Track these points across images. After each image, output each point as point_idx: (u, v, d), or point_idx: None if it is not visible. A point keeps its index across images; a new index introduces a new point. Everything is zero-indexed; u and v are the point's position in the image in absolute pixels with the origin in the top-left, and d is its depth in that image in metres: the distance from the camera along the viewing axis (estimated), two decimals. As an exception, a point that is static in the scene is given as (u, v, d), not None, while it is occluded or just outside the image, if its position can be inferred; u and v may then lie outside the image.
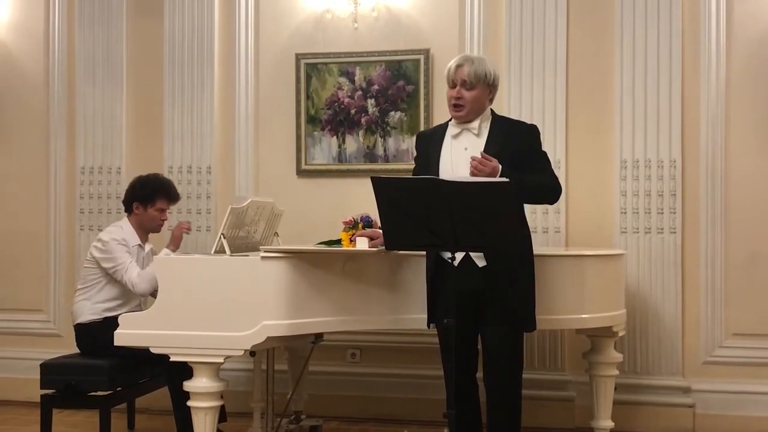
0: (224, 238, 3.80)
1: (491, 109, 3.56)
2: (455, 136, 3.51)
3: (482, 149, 3.40)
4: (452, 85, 3.49)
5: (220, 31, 5.33)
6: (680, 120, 4.79)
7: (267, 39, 5.31)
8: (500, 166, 3.30)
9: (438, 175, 3.41)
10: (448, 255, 3.18)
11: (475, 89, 3.45)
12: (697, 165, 4.80)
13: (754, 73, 4.77)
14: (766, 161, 4.77)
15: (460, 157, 3.41)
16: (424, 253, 3.60)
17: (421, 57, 5.07)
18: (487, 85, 3.48)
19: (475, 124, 3.48)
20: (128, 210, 4.51)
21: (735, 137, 4.78)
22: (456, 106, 3.47)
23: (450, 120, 3.57)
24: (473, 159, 3.32)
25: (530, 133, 3.56)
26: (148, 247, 4.53)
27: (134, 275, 4.26)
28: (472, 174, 3.30)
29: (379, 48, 5.14)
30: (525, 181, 3.37)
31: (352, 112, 5.18)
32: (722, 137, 4.77)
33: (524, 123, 3.68)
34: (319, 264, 3.61)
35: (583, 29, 4.93)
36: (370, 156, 5.16)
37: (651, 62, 4.79)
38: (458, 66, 3.47)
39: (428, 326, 3.60)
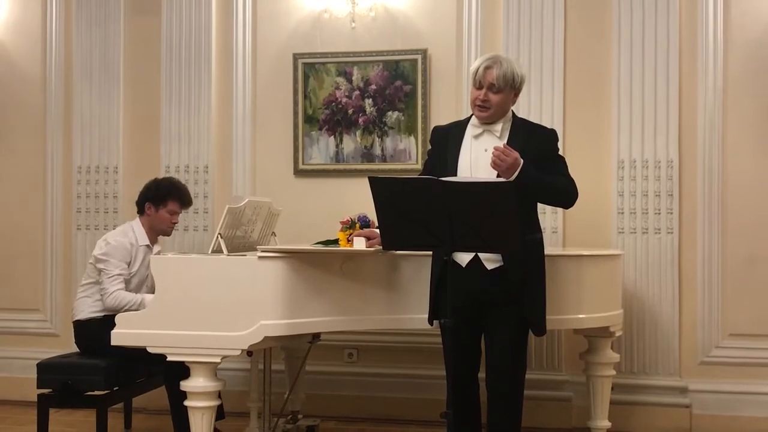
0: (221, 237, 3.80)
1: (512, 111, 3.53)
2: (476, 137, 3.46)
3: None
4: (478, 86, 3.41)
5: (217, 30, 5.32)
6: (677, 120, 4.80)
7: (264, 38, 5.31)
8: (522, 161, 3.27)
9: (456, 174, 3.39)
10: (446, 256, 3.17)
11: (502, 92, 3.40)
12: (694, 165, 4.81)
13: (751, 74, 4.78)
14: (763, 162, 4.77)
15: (480, 158, 3.37)
16: (422, 253, 3.60)
17: (419, 57, 5.06)
18: (513, 88, 3.44)
19: (498, 126, 3.44)
20: (141, 211, 4.52)
21: (732, 138, 4.79)
22: (481, 107, 3.42)
23: (470, 118, 3.52)
24: (495, 149, 3.28)
25: (550, 138, 3.52)
26: (156, 248, 4.54)
27: (112, 288, 4.25)
28: (493, 164, 3.27)
29: (377, 48, 5.14)
30: (542, 180, 3.34)
31: (350, 112, 5.17)
32: (719, 138, 4.78)
33: (545, 127, 3.64)
34: (316, 264, 3.61)
35: (580, 30, 4.93)
36: (367, 156, 5.16)
37: (648, 63, 4.80)
38: (487, 68, 3.40)
39: (430, 324, 3.59)
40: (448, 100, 4.99)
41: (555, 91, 4.90)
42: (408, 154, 5.10)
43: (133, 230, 4.46)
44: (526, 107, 4.85)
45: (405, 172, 4.95)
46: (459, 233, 3.07)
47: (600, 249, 4.51)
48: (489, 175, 3.32)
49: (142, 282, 4.42)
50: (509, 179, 3.25)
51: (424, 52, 5.07)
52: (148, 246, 4.47)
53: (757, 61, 4.78)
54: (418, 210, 3.08)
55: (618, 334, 4.30)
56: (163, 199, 4.47)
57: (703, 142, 4.79)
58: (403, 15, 5.14)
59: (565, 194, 3.51)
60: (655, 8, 4.79)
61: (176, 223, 4.57)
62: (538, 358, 4.86)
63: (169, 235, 4.65)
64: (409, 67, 5.09)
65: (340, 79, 5.18)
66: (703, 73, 4.79)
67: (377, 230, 3.37)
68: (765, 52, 4.77)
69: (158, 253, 4.52)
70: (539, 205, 3.57)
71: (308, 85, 5.22)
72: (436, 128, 3.73)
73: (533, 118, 4.68)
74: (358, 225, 3.67)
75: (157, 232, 4.54)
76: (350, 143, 5.18)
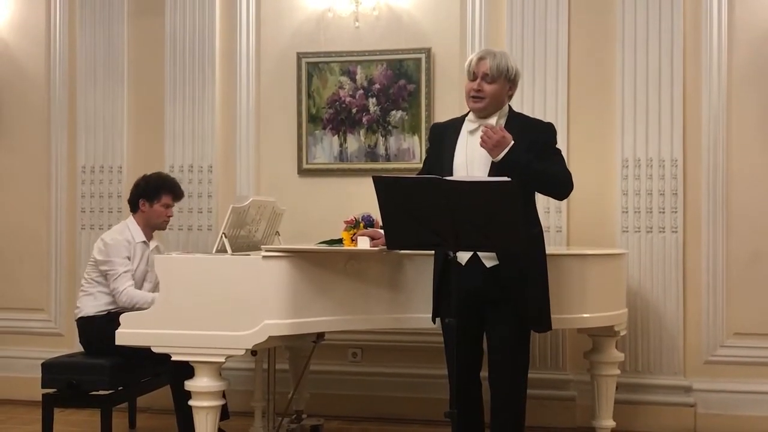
0: (225, 237, 3.80)
1: (509, 105, 3.53)
2: (471, 132, 3.46)
3: None
4: (472, 78, 3.44)
5: (221, 29, 5.32)
6: (681, 119, 4.79)
7: (268, 38, 5.31)
8: (512, 142, 3.27)
9: (452, 171, 3.40)
10: (450, 254, 3.17)
11: (496, 83, 3.41)
12: (698, 164, 4.80)
13: (756, 72, 4.77)
14: (768, 160, 4.77)
15: (476, 153, 3.37)
16: (426, 252, 3.59)
17: (423, 56, 5.06)
18: (508, 80, 3.45)
19: (493, 120, 3.44)
20: (134, 208, 4.55)
21: (736, 136, 4.78)
22: (475, 98, 3.43)
23: (467, 114, 3.53)
24: (485, 125, 3.30)
25: (547, 131, 3.53)
26: (153, 244, 4.56)
27: (122, 286, 4.28)
28: (481, 140, 3.29)
29: (381, 47, 5.14)
30: (531, 162, 3.32)
31: (354, 111, 5.17)
32: (724, 136, 4.77)
33: (541, 121, 3.65)
34: (320, 263, 3.61)
35: (584, 28, 4.92)
36: (371, 155, 5.16)
37: (652, 61, 4.79)
38: (480, 59, 3.43)
39: (433, 322, 3.59)
40: (451, 99, 4.98)
41: (559, 90, 4.89)
42: (412, 153, 5.10)
43: (128, 228, 4.48)
44: (530, 106, 4.84)
45: (409, 171, 4.94)
46: (463, 232, 3.07)
47: (604, 248, 4.50)
48: (485, 169, 3.34)
49: (142, 278, 4.43)
50: (497, 158, 3.27)
51: (427, 51, 5.06)
52: (144, 242, 4.50)
53: (761, 59, 4.77)
54: (422, 209, 3.08)
55: (622, 333, 4.30)
56: (156, 194, 4.50)
57: (708, 140, 4.78)
58: (407, 14, 5.14)
59: (557, 182, 3.47)
60: (659, 7, 4.78)
61: (171, 216, 4.60)
62: (542, 358, 4.86)
63: (164, 228, 4.66)
64: (412, 66, 5.09)
65: (344, 79, 5.18)
66: (708, 72, 4.78)
67: (381, 230, 3.37)
68: (769, 51, 4.77)
69: (155, 248, 4.56)
70: (542, 204, 3.56)
71: (312, 84, 5.22)
72: (434, 125, 3.78)
73: (537, 116, 4.69)
74: (362, 224, 3.67)
75: (153, 226, 4.55)
76: (354, 142, 5.18)
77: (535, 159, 3.35)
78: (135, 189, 4.56)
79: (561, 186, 3.50)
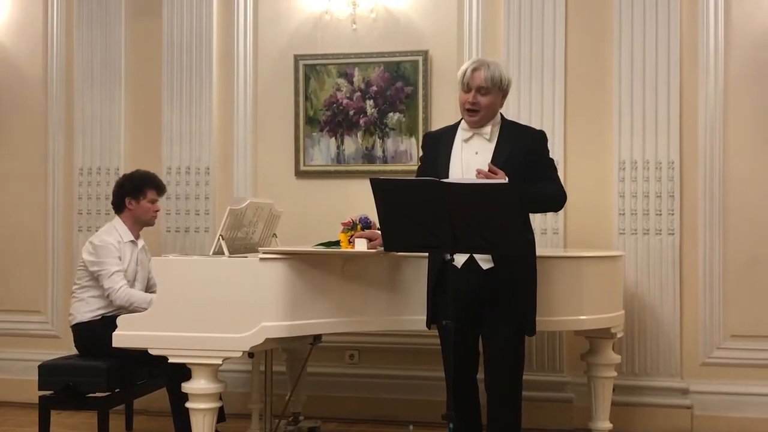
0: (223, 239, 3.80)
1: (501, 114, 3.56)
2: (466, 141, 3.50)
3: (492, 153, 3.42)
4: (467, 90, 3.45)
5: (218, 32, 5.32)
6: (678, 121, 4.79)
7: (266, 40, 5.31)
8: (507, 179, 3.27)
9: (448, 178, 3.41)
10: (447, 256, 3.18)
11: (490, 95, 3.44)
12: (695, 166, 4.80)
13: (752, 75, 4.78)
14: (765, 162, 4.77)
15: (471, 161, 3.40)
16: (423, 254, 3.60)
17: (420, 58, 5.07)
18: (501, 90, 3.48)
19: (487, 129, 3.49)
20: (119, 208, 4.55)
21: (733, 138, 4.78)
22: (470, 111, 3.46)
23: (459, 122, 3.56)
24: (479, 172, 3.31)
25: (539, 140, 3.56)
26: (140, 243, 4.57)
27: (117, 285, 4.27)
28: None
29: (378, 49, 5.14)
30: (530, 192, 3.37)
31: (351, 113, 5.18)
32: (720, 138, 4.77)
33: (533, 129, 3.68)
34: (317, 265, 3.61)
35: (581, 31, 4.93)
36: (368, 157, 5.16)
37: (649, 63, 4.80)
38: (474, 70, 3.44)
39: (428, 327, 3.60)
40: (448, 102, 4.97)
41: (556, 92, 4.90)
42: (409, 155, 5.10)
43: (116, 229, 4.48)
44: (527, 108, 4.85)
45: (406, 173, 4.94)
46: (461, 233, 3.08)
47: (601, 250, 4.50)
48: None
49: (133, 278, 4.43)
50: None
51: (425, 54, 5.07)
52: (133, 242, 4.50)
53: (757, 62, 4.77)
54: (420, 211, 3.09)
55: (619, 335, 4.30)
56: (141, 190, 4.50)
57: (704, 143, 4.79)
58: (404, 16, 5.14)
59: (552, 202, 3.60)
60: (655, 9, 4.79)
61: (158, 210, 4.60)
62: (539, 360, 4.86)
63: (153, 224, 4.64)
64: (410, 69, 5.09)
65: (341, 81, 5.18)
66: (704, 74, 4.79)
67: (378, 231, 3.38)
68: (766, 54, 4.77)
69: (143, 247, 4.56)
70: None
71: (309, 86, 5.22)
72: (427, 134, 3.82)
73: (534, 120, 4.72)
74: (359, 226, 3.68)
75: (142, 223, 4.56)
76: (351, 144, 5.18)
77: (531, 186, 3.37)
78: (118, 189, 4.56)
79: (555, 205, 3.65)
